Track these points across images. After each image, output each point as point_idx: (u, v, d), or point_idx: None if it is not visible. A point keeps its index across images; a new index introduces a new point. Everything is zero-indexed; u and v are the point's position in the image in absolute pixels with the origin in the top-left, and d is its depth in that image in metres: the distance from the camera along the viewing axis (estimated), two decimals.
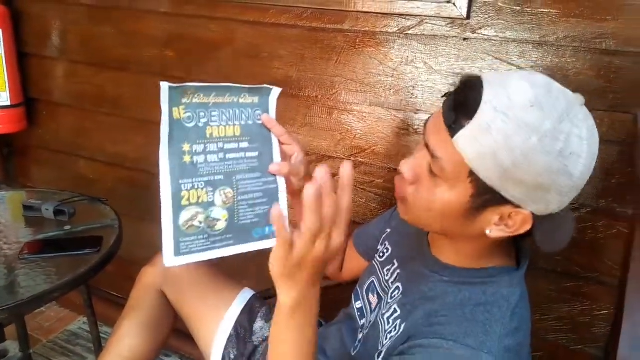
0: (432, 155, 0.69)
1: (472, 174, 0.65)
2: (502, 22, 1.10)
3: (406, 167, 0.74)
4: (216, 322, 1.11)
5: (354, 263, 1.11)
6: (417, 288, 0.80)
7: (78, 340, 1.92)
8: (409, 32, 1.21)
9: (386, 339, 0.78)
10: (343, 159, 1.39)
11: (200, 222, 0.71)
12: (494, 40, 1.12)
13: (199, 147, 0.73)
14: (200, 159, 0.72)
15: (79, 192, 1.47)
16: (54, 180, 1.93)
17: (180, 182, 0.71)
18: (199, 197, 0.72)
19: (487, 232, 0.70)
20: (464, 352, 0.65)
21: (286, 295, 0.66)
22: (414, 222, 0.79)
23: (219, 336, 1.10)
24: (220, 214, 0.71)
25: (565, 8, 1.04)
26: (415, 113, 1.26)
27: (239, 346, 1.08)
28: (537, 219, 0.67)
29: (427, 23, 1.18)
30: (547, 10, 1.06)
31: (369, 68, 1.28)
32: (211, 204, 0.71)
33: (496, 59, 1.13)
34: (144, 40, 1.60)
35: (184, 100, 0.72)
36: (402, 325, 0.76)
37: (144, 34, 1.59)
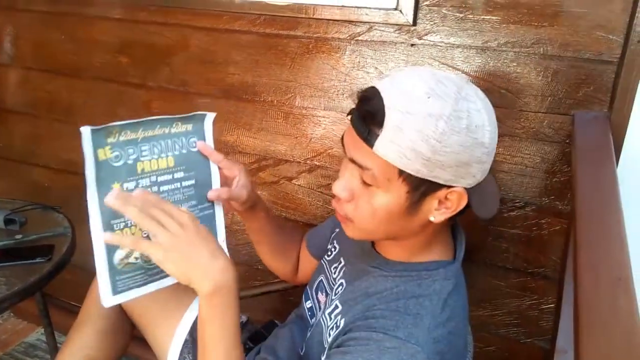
0: (362, 168, 0.72)
1: (401, 172, 0.69)
2: (447, 28, 1.14)
3: (339, 188, 0.76)
4: (172, 327, 1.11)
5: (309, 265, 1.13)
6: (359, 284, 0.83)
7: (36, 352, 1.88)
8: (359, 38, 1.24)
9: (329, 335, 0.81)
10: (300, 162, 1.41)
11: (137, 258, 0.72)
12: (440, 46, 1.16)
13: (131, 184, 0.73)
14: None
15: (34, 200, 1.45)
16: (8, 189, 1.88)
17: (112, 222, 0.71)
18: (132, 235, 0.73)
19: (432, 218, 0.74)
20: (393, 344, 0.68)
21: (199, 284, 0.73)
22: (363, 236, 0.81)
23: (175, 341, 1.10)
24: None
25: (505, 15, 1.08)
26: None
27: (194, 351, 1.08)
28: (469, 191, 0.72)
29: (376, 29, 1.21)
30: (488, 17, 1.10)
31: (322, 73, 1.31)
32: (146, 238, 0.71)
33: (442, 64, 1.17)
34: (97, 46, 1.58)
35: (109, 140, 0.72)
36: (342, 321, 0.79)
37: (97, 40, 1.58)
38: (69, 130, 1.71)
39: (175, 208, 0.73)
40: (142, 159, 0.73)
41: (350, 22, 1.23)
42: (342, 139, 0.77)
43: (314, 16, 1.26)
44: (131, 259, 0.71)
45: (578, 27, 1.04)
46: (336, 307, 0.84)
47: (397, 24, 1.18)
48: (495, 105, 1.11)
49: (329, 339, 0.81)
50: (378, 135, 0.68)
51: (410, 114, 0.67)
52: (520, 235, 1.21)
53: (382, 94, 0.69)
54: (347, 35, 1.25)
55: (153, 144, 0.74)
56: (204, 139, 0.79)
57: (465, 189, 0.72)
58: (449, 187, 0.71)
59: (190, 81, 1.48)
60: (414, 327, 0.70)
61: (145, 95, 1.55)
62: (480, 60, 1.13)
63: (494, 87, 1.12)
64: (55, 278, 1.17)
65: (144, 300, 1.14)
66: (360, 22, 1.22)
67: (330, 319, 0.83)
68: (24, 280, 1.08)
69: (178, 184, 0.76)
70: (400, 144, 0.67)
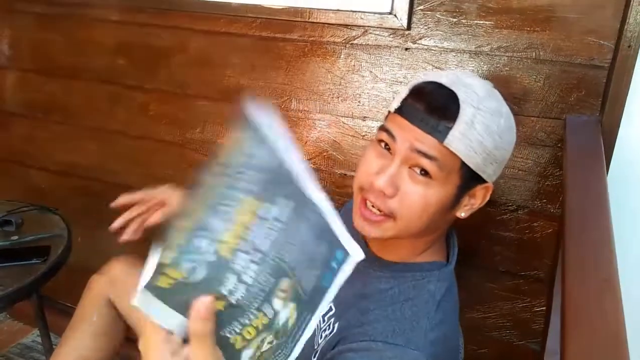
0: (430, 158, 0.71)
1: (463, 165, 0.72)
2: (441, 32, 1.15)
3: (385, 182, 0.72)
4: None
5: None
6: (353, 285, 0.82)
7: (32, 354, 1.88)
8: (354, 42, 1.25)
9: (321, 337, 0.81)
10: None
11: (271, 342, 0.55)
12: (434, 50, 1.17)
13: (230, 282, 0.53)
14: (238, 292, 0.53)
15: (30, 202, 1.46)
16: (4, 190, 1.89)
17: (222, 334, 0.56)
18: (256, 327, 0.55)
19: (462, 215, 0.78)
20: (395, 352, 0.69)
21: None
22: (399, 234, 0.76)
23: None
24: (287, 312, 0.54)
25: (498, 20, 1.10)
26: (363, 120, 1.30)
27: None
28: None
29: (370, 33, 1.22)
30: (481, 22, 1.11)
31: (318, 76, 1.32)
32: (275, 315, 0.54)
33: (436, 67, 1.18)
34: (94, 48, 1.59)
35: (167, 267, 0.53)
36: (336, 325, 0.79)
37: (94, 41, 1.59)
38: (66, 132, 1.72)
39: None
40: (222, 239, 0.53)
41: (345, 25, 1.25)
42: (384, 130, 0.75)
43: (310, 20, 1.27)
44: (264, 346, 0.55)
45: (570, 32, 1.05)
46: (330, 309, 0.83)
47: (391, 28, 1.19)
48: None
49: (320, 341, 0.80)
50: (449, 129, 0.70)
51: (480, 110, 0.71)
52: (513, 238, 1.22)
53: (453, 89, 0.71)
54: (343, 39, 1.26)
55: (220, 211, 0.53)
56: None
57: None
58: (484, 182, 0.75)
59: (188, 83, 1.49)
60: (411, 332, 0.71)
61: (142, 97, 1.56)
62: (473, 65, 1.14)
63: None
64: (51, 279, 1.18)
65: None
66: (356, 26, 1.23)
67: (324, 321, 0.83)
68: (19, 281, 1.09)
69: (267, 224, 0.52)
70: (471, 138, 0.70)
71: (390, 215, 0.74)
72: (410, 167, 0.73)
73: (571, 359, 0.54)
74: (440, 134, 0.70)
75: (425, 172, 0.72)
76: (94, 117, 1.65)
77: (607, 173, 1.05)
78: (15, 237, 1.26)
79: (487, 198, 0.78)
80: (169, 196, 1.01)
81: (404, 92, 0.76)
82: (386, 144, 0.76)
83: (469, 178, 0.73)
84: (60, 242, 1.24)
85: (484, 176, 0.74)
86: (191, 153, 1.54)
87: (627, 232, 1.12)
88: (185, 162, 1.56)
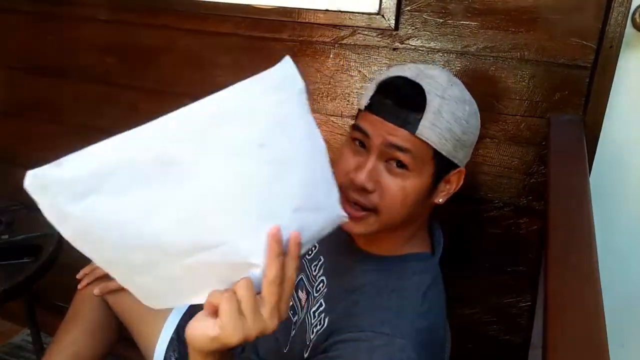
0: (403, 150, 0.74)
1: (435, 154, 0.75)
2: (428, 33, 1.17)
3: (364, 177, 0.74)
4: (158, 326, 1.12)
5: None
6: (341, 280, 0.85)
7: (22, 353, 1.88)
8: (343, 41, 1.26)
9: (312, 333, 0.83)
10: None
11: None
12: (421, 50, 1.19)
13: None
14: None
15: (20, 201, 1.45)
16: None
17: None
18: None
19: (440, 200, 0.81)
20: (382, 341, 0.71)
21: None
22: (382, 227, 0.78)
23: (161, 339, 1.11)
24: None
25: (483, 20, 1.12)
26: (353, 119, 1.31)
27: (180, 349, 1.10)
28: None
29: (359, 33, 1.24)
30: (467, 23, 1.13)
31: (307, 75, 1.33)
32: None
33: None
34: (83, 47, 1.59)
35: None
36: (326, 319, 0.81)
37: (83, 40, 1.58)
38: (55, 131, 1.71)
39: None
40: None
41: (334, 25, 1.26)
42: (356, 129, 0.78)
43: (299, 20, 1.28)
44: None
45: (553, 33, 1.08)
46: (320, 305, 0.85)
47: (379, 28, 1.20)
48: None
49: (312, 337, 0.82)
50: (419, 119, 0.73)
51: (445, 99, 0.74)
52: (499, 235, 1.24)
53: (418, 81, 0.74)
54: (331, 38, 1.27)
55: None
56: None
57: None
58: (456, 167, 0.79)
59: (177, 83, 1.50)
60: (398, 321, 0.73)
61: (131, 97, 1.56)
62: (460, 64, 1.16)
63: (473, 90, 1.14)
64: (42, 279, 1.18)
65: (131, 298, 1.15)
66: (344, 26, 1.24)
67: (315, 317, 0.85)
68: (10, 280, 1.09)
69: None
70: (439, 126, 0.73)
71: (372, 210, 0.77)
72: (386, 161, 0.76)
73: (552, 352, 0.56)
74: (411, 126, 0.73)
75: (401, 165, 0.75)
76: (82, 116, 1.65)
77: (590, 170, 1.07)
78: (6, 236, 1.26)
79: (461, 182, 0.82)
80: None
81: (371, 88, 0.79)
82: (361, 142, 0.78)
83: (442, 165, 0.77)
84: (51, 241, 1.24)
85: (455, 161, 0.78)
86: None
87: (609, 227, 1.15)
88: None
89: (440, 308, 0.82)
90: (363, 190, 0.75)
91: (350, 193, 0.76)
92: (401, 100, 0.74)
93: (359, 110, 0.82)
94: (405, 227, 0.82)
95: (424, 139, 0.73)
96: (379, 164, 0.76)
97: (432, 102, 0.73)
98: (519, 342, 1.29)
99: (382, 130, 0.75)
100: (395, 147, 0.74)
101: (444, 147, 0.75)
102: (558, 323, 0.59)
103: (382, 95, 0.76)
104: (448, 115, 0.74)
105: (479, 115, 0.82)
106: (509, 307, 1.28)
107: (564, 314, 0.60)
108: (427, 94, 0.73)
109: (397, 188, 0.75)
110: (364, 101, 0.79)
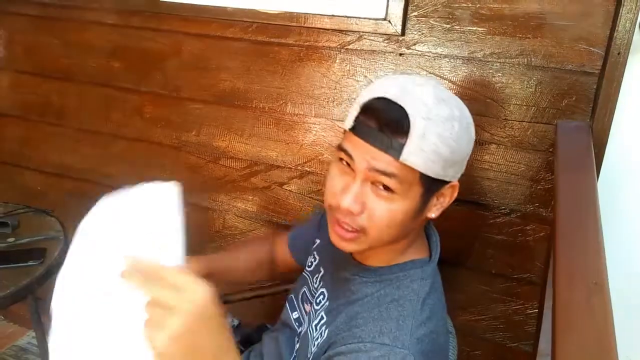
0: (387, 175, 0.71)
1: (422, 176, 0.72)
2: (434, 38, 1.17)
3: (350, 201, 0.73)
4: None
5: (289, 258, 1.14)
6: (341, 293, 0.84)
7: (27, 356, 1.88)
8: (349, 47, 1.26)
9: (314, 346, 0.82)
10: (291, 168, 1.43)
11: None
12: (427, 56, 1.19)
13: None
14: None
15: (25, 203, 1.46)
16: (0, 193, 1.89)
17: None
18: None
19: (432, 215, 0.78)
20: (382, 352, 0.70)
21: None
22: (373, 245, 0.78)
23: None
24: None
25: (490, 27, 1.11)
26: None
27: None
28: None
29: (365, 39, 1.24)
30: (474, 29, 1.13)
31: (313, 80, 1.33)
32: None
33: (430, 73, 1.19)
34: (89, 50, 1.59)
35: None
36: (326, 331, 0.81)
37: (89, 44, 1.59)
38: (60, 134, 1.72)
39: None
40: None
41: (340, 31, 1.26)
42: (341, 150, 0.76)
43: (305, 25, 1.29)
44: None
45: (561, 39, 1.07)
46: (322, 318, 0.85)
47: (386, 34, 1.20)
48: (481, 114, 1.14)
49: (313, 349, 0.82)
50: (403, 144, 0.69)
51: (431, 120, 0.70)
52: (505, 242, 1.23)
53: (400, 103, 0.70)
54: (338, 44, 1.27)
55: None
56: None
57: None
58: (449, 182, 0.76)
59: (182, 87, 1.50)
60: (397, 331, 0.72)
61: (137, 100, 1.57)
62: (466, 70, 1.16)
63: (480, 96, 1.15)
64: (47, 282, 1.18)
65: None
66: (350, 31, 1.24)
67: (316, 330, 0.85)
68: (16, 283, 1.09)
69: None
70: (425, 149, 0.69)
71: (361, 231, 0.76)
72: (372, 183, 0.73)
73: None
74: (395, 151, 0.70)
75: (387, 187, 0.72)
76: (89, 120, 1.65)
77: (598, 177, 1.07)
78: (12, 239, 1.27)
79: (456, 194, 0.79)
80: None
81: (355, 109, 0.75)
82: (347, 162, 0.76)
83: (432, 184, 0.74)
84: (57, 244, 1.25)
85: (446, 179, 0.75)
86: (187, 156, 1.55)
87: (617, 235, 1.14)
88: (181, 164, 1.56)
89: (440, 313, 0.81)
90: (350, 213, 0.74)
91: (339, 215, 0.76)
92: (384, 123, 0.70)
93: (345, 130, 0.78)
94: (398, 241, 0.81)
95: (408, 164, 0.70)
96: (365, 186, 0.74)
97: (417, 125, 0.69)
98: (526, 349, 1.29)
99: (366, 155, 0.72)
100: (380, 172, 0.71)
101: (431, 169, 0.71)
102: (567, 333, 0.58)
103: (366, 117, 0.73)
104: (434, 137, 0.69)
105: (472, 127, 0.77)
106: (516, 314, 1.27)
107: (573, 324, 0.60)
108: (410, 117, 0.69)
109: (384, 210, 0.73)
110: (348, 122, 0.76)
